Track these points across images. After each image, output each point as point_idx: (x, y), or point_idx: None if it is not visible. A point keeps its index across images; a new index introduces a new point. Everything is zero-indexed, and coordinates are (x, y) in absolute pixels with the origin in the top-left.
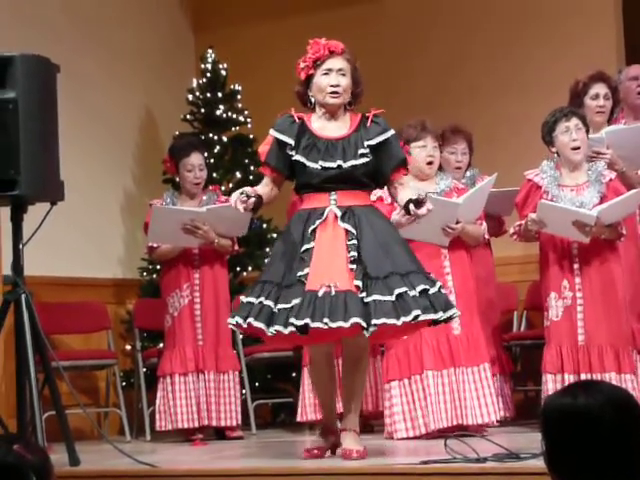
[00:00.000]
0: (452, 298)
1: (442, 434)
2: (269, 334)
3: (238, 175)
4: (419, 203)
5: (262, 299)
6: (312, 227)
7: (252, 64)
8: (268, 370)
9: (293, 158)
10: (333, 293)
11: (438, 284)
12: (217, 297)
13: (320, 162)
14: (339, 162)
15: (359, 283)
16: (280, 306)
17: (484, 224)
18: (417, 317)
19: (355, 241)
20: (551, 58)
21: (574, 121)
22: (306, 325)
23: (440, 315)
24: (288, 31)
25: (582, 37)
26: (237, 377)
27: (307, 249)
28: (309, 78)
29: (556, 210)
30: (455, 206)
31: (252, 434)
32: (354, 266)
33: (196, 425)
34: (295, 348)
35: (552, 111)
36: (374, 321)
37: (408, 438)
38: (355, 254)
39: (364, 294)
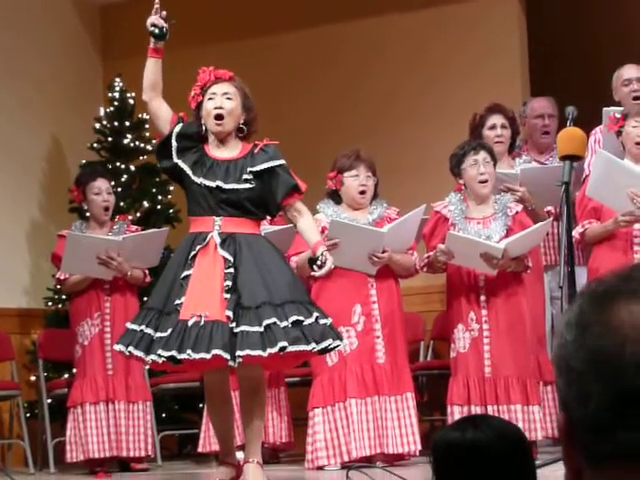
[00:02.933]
0: (377, 327)
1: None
2: (147, 363)
3: (146, 204)
4: (320, 264)
5: (143, 327)
6: (193, 253)
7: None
8: (175, 400)
9: (177, 162)
10: (202, 323)
11: (315, 315)
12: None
13: (201, 178)
14: (219, 182)
15: (230, 313)
16: (158, 334)
17: (415, 254)
18: (284, 348)
19: (232, 269)
20: (455, 87)
21: (482, 154)
22: (174, 356)
23: (313, 346)
24: (196, 61)
25: (487, 67)
26: (148, 408)
27: (186, 276)
28: (199, 105)
29: (465, 242)
30: (380, 235)
31: (158, 466)
32: (228, 295)
33: (107, 455)
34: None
35: (461, 143)
36: (239, 352)
37: (329, 466)
38: (230, 283)
39: (234, 324)
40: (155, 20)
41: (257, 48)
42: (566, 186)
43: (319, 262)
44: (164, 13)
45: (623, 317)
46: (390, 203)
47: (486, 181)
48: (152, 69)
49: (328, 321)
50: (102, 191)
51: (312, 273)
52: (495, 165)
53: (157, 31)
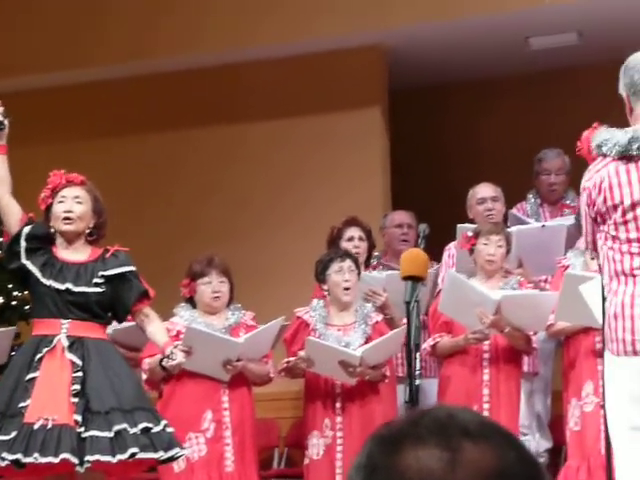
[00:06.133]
0: (227, 434)
1: None
2: None
3: (0, 300)
4: (170, 359)
5: None
6: (39, 355)
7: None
8: None
9: (25, 263)
10: (50, 426)
11: (163, 423)
12: None
13: (50, 280)
14: (68, 285)
15: (79, 417)
16: (1, 437)
17: (270, 362)
18: (134, 455)
19: (81, 373)
20: (328, 202)
21: (348, 262)
22: (18, 460)
23: (161, 454)
24: (50, 159)
25: (355, 183)
26: None
27: (32, 378)
28: (49, 208)
29: (322, 348)
30: (235, 345)
31: None
32: (76, 399)
33: None
34: None
35: (328, 251)
36: (88, 457)
37: None
38: (79, 387)
39: (83, 429)
40: None
41: (117, 148)
42: (407, 305)
43: (169, 358)
44: (1, 109)
45: (409, 462)
46: (245, 307)
47: (349, 288)
48: None
49: (173, 430)
50: None
51: (164, 365)
52: (359, 275)
53: None
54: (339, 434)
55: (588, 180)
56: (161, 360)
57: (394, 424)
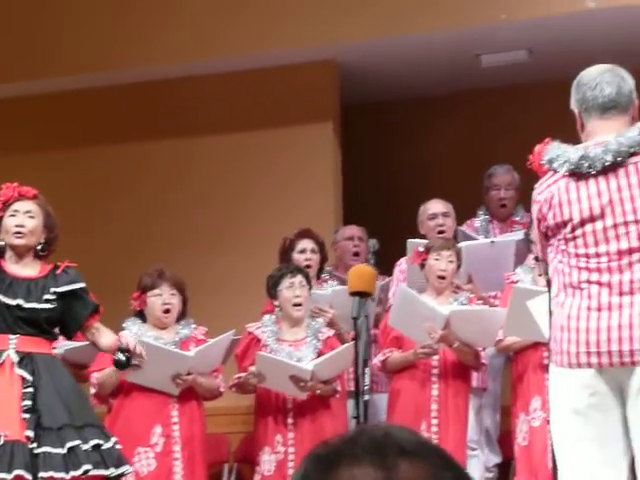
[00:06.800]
0: (176, 448)
1: None
2: None
3: None
4: (129, 355)
5: None
6: None
7: None
8: None
9: None
10: (1, 442)
11: (113, 440)
12: None
13: (1, 296)
14: (19, 301)
15: (31, 433)
16: None
17: (220, 376)
18: (87, 472)
19: (31, 389)
20: (280, 215)
21: (299, 278)
22: None
23: (112, 471)
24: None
25: (307, 197)
26: None
27: None
28: None
29: (273, 363)
30: (185, 358)
31: None
32: (27, 415)
33: None
34: None
35: (279, 266)
36: (41, 474)
37: None
38: (30, 403)
39: (35, 445)
40: None
41: (65, 161)
42: (355, 321)
43: (129, 352)
44: None
45: None
46: (198, 322)
47: (300, 304)
48: None
49: (121, 447)
50: None
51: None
52: (310, 289)
53: None
54: (291, 450)
55: (539, 194)
56: (118, 350)
57: (331, 443)
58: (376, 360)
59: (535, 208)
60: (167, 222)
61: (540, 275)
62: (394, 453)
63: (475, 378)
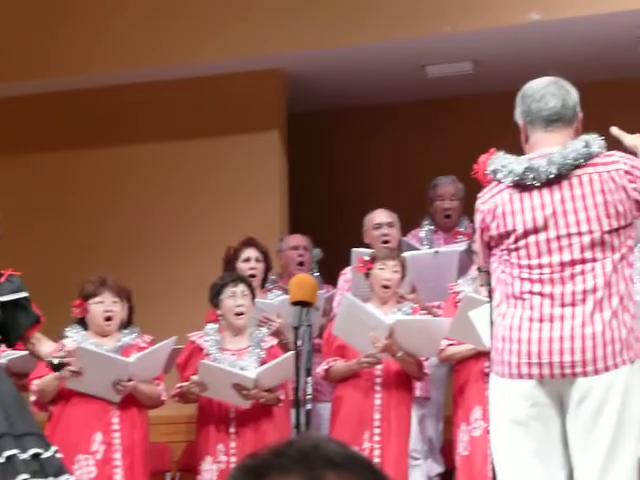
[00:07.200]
0: (117, 456)
1: None
2: None
3: None
4: (62, 365)
5: None
6: None
7: None
8: None
9: None
10: None
11: (53, 449)
12: None
13: None
14: None
15: None
16: None
17: (162, 384)
18: None
19: None
20: (225, 224)
21: (241, 287)
22: None
23: None
24: None
25: (252, 206)
26: None
27: None
28: None
29: (216, 371)
30: (125, 364)
31: None
32: None
33: None
34: None
35: (222, 275)
36: None
37: None
38: None
39: None
40: None
41: (5, 168)
42: (296, 330)
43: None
44: None
45: None
46: (144, 330)
47: (242, 313)
48: None
49: (62, 456)
50: None
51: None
52: (254, 299)
53: None
54: (233, 459)
55: (483, 204)
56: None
57: (260, 454)
58: (320, 369)
59: (478, 217)
60: (113, 229)
61: (482, 286)
62: (322, 465)
63: (418, 387)
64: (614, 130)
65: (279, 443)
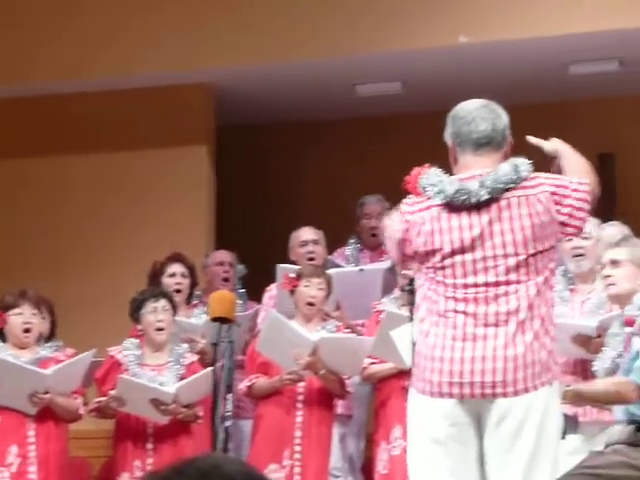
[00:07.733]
0: (32, 469)
1: None
2: None
3: None
4: None
5: None
6: None
7: None
8: None
9: None
10: None
11: None
12: None
13: None
14: None
15: None
16: None
17: (80, 398)
18: None
19: None
20: (152, 239)
21: (162, 302)
22: None
23: None
24: None
25: (180, 220)
26: None
27: None
28: None
29: (135, 386)
30: (42, 376)
31: None
32: None
33: None
34: None
35: (142, 290)
36: None
37: None
38: None
39: None
40: None
41: None
42: (214, 347)
43: None
44: None
45: None
46: (69, 342)
47: (163, 329)
48: None
49: None
50: None
51: None
52: (175, 314)
53: None
54: None
55: (410, 213)
56: None
57: (159, 472)
58: (242, 385)
59: (402, 225)
60: (43, 241)
61: (404, 305)
62: None
63: (340, 405)
64: (531, 139)
65: (180, 462)
